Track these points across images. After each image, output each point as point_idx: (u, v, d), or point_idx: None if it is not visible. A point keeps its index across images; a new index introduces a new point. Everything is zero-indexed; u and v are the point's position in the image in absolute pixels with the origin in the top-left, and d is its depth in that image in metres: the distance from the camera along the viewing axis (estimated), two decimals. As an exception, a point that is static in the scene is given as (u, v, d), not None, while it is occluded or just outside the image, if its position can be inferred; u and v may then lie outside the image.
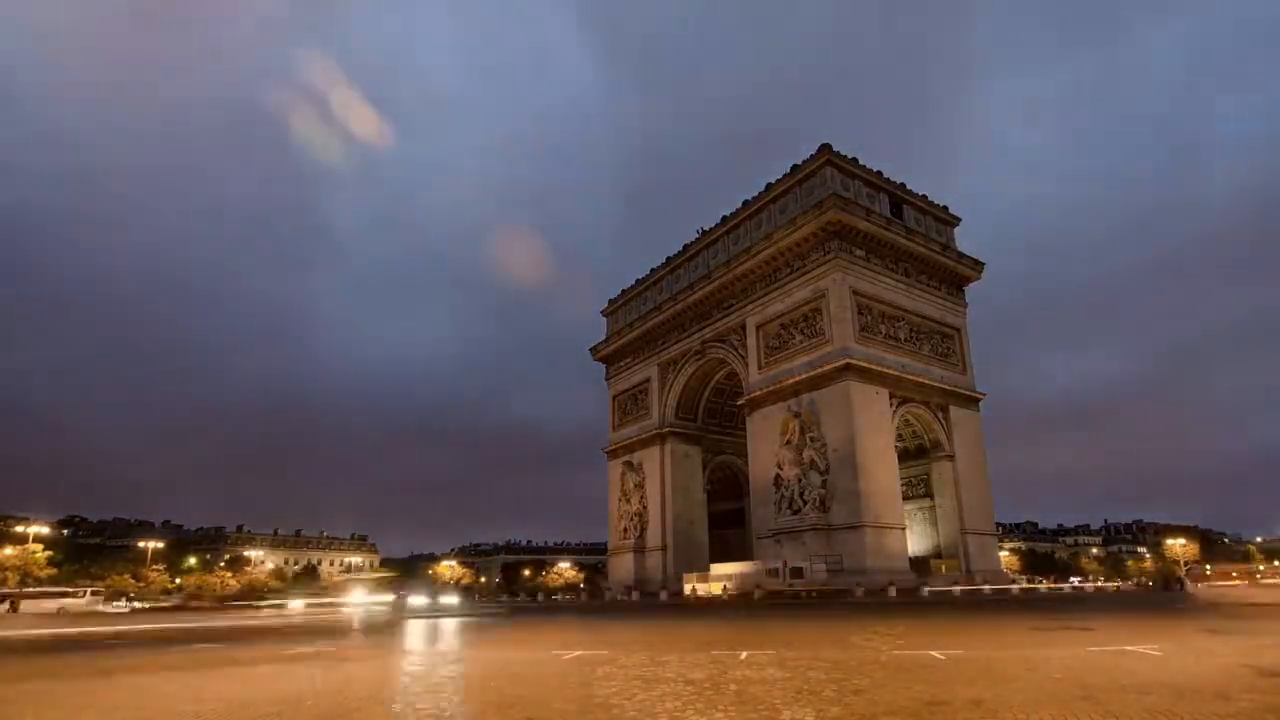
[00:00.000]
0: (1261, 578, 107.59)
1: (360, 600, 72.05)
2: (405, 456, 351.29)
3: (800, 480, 59.04)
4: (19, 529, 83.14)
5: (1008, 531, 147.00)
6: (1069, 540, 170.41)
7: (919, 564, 59.29)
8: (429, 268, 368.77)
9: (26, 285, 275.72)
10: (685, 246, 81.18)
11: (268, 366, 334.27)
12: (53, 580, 78.58)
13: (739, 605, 44.62)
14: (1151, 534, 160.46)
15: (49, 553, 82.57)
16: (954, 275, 69.47)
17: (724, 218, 74.96)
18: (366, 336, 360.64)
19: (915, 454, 64.54)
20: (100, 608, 57.07)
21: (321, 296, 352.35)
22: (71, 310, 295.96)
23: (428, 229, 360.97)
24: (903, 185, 68.28)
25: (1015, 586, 65.01)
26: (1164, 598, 47.74)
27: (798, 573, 54.85)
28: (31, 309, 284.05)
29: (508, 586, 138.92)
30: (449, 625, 29.05)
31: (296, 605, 66.72)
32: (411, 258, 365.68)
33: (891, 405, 59.85)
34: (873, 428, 57.57)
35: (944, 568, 59.47)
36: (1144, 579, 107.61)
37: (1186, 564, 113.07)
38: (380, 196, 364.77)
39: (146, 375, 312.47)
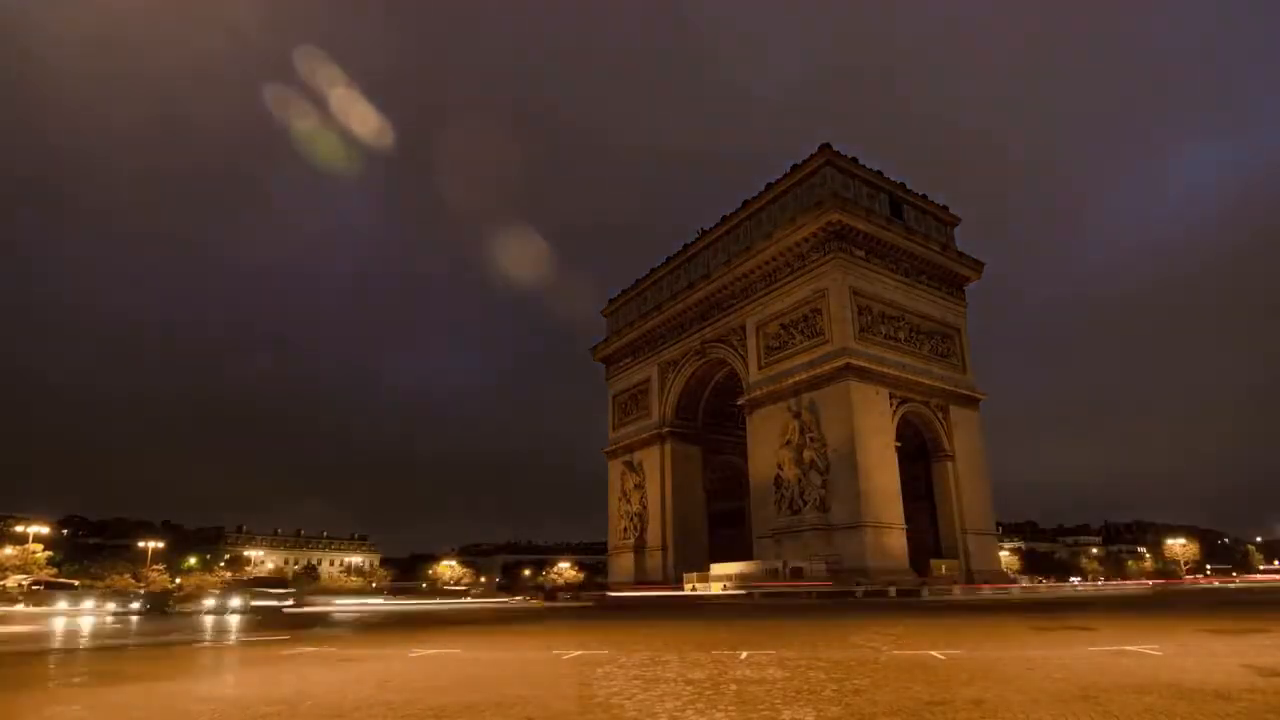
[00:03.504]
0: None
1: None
2: (404, 454, 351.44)
3: (800, 480, 59.04)
4: (19, 529, 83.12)
5: (1008, 531, 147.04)
6: (1069, 540, 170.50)
7: (919, 564, 59.26)
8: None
9: (27, 285, 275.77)
10: (685, 246, 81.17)
11: (269, 366, 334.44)
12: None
13: (739, 605, 44.56)
14: (1151, 534, 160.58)
15: (49, 553, 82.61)
16: (954, 275, 69.47)
17: (724, 217, 74.96)
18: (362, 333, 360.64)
19: (915, 454, 64.49)
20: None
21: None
22: (71, 309, 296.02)
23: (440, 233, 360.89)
24: (903, 185, 68.28)
25: (1015, 587, 65.05)
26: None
27: (798, 572, 54.82)
28: (32, 309, 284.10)
29: (508, 586, 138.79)
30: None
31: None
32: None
33: (891, 405, 59.83)
34: (873, 428, 57.55)
35: (944, 568, 59.44)
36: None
37: (1187, 564, 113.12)
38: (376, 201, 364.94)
39: (146, 373, 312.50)
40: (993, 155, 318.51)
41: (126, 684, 11.69)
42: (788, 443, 60.65)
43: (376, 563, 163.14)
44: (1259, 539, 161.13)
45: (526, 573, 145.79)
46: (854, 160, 65.09)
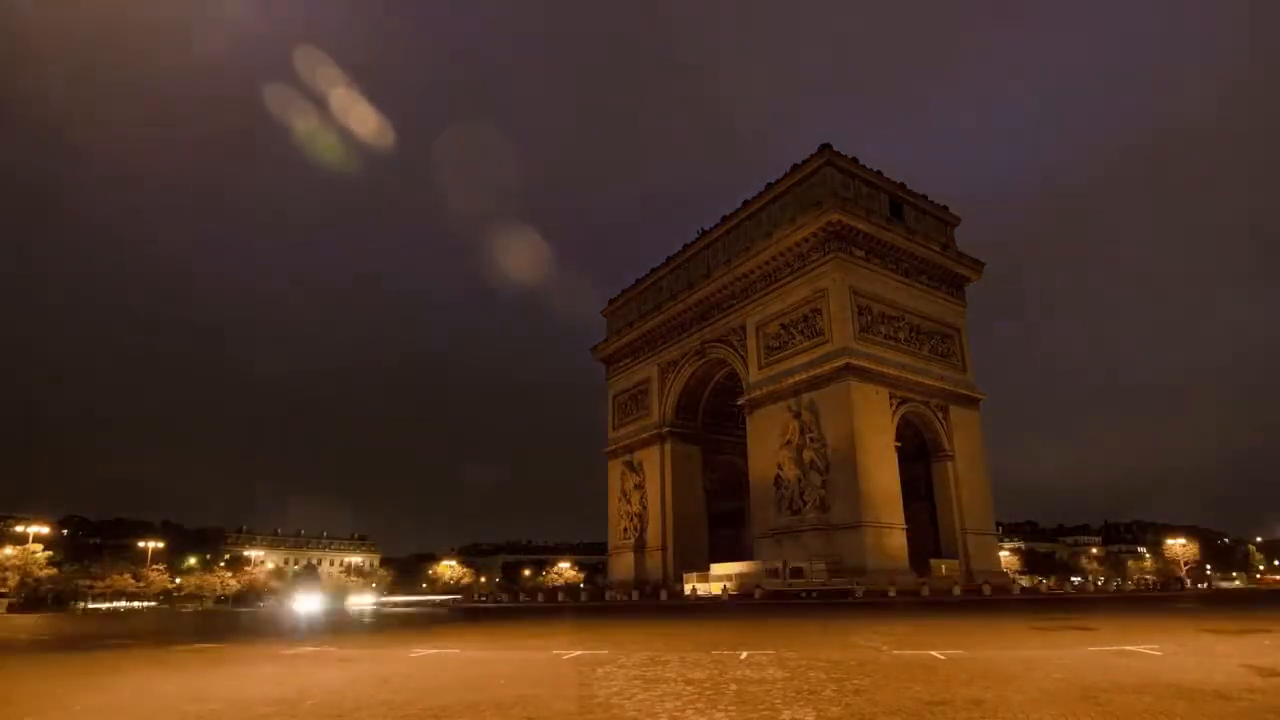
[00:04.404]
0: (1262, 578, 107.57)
1: None
2: (405, 454, 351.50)
3: (800, 480, 59.00)
4: (19, 529, 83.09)
5: (1008, 531, 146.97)
6: (1069, 540, 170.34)
7: (919, 564, 59.21)
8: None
9: (29, 286, 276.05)
10: (685, 246, 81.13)
11: (268, 365, 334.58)
12: (53, 580, 78.41)
13: (739, 605, 44.58)
14: (1151, 534, 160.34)
15: (49, 553, 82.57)
16: (954, 275, 69.44)
17: (724, 217, 74.91)
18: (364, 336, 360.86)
19: (915, 454, 64.41)
20: None
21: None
22: (72, 310, 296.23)
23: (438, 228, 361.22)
24: (903, 185, 68.25)
25: (1015, 587, 65.10)
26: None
27: (798, 573, 54.81)
28: (35, 310, 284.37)
29: (508, 586, 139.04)
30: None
31: None
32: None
33: (891, 405, 59.81)
34: (873, 428, 57.53)
35: (944, 568, 59.39)
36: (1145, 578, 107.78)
37: (1186, 564, 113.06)
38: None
39: (146, 374, 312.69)
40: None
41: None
42: (788, 443, 60.62)
43: (376, 562, 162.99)
44: (1259, 539, 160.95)
45: (526, 573, 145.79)
46: (854, 160, 65.06)
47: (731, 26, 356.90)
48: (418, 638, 21.82)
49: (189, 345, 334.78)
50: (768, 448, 62.92)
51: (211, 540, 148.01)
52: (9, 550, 77.79)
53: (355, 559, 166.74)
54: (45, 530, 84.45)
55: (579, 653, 14.37)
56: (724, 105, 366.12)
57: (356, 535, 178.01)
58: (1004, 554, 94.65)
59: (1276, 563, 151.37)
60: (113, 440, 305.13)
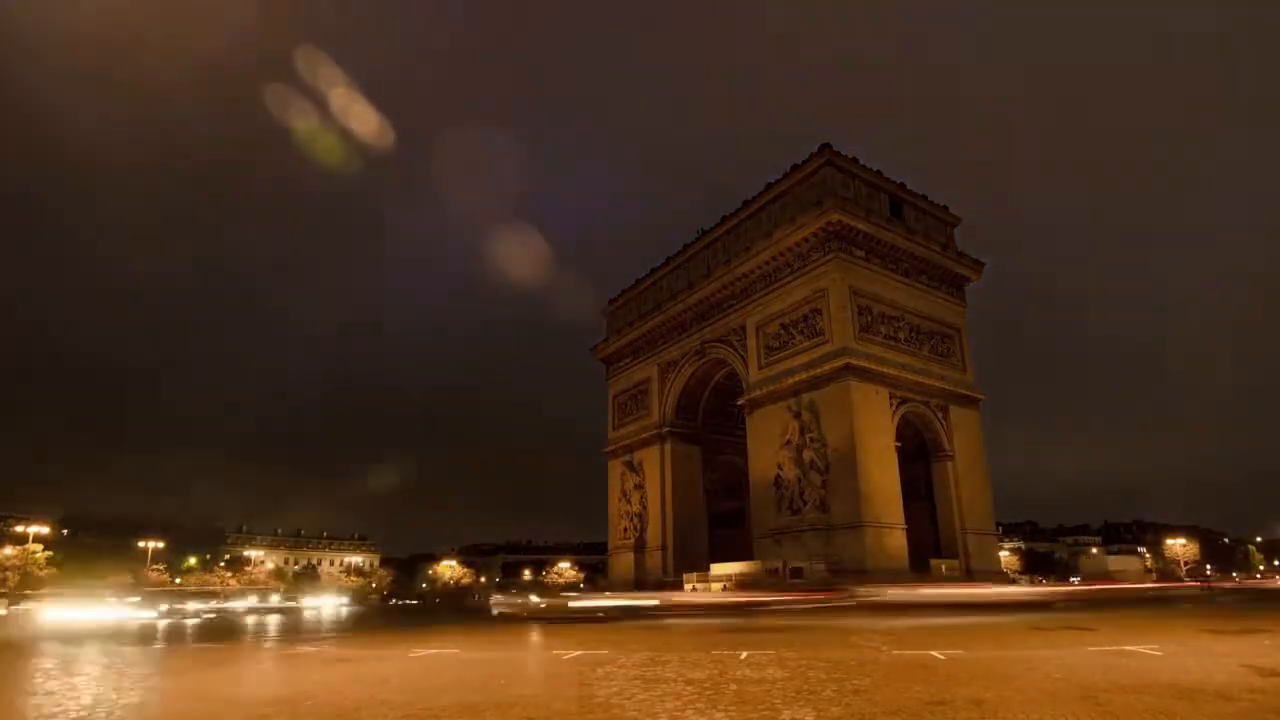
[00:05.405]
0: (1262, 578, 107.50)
1: None
2: (405, 454, 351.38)
3: (800, 480, 58.98)
4: (19, 529, 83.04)
5: (1008, 531, 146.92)
6: (1069, 540, 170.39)
7: (919, 564, 59.19)
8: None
9: (29, 285, 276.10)
10: (685, 246, 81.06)
11: (268, 367, 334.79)
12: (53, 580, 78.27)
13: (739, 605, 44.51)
14: (1151, 534, 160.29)
15: (49, 553, 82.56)
16: (954, 275, 69.42)
17: (724, 217, 74.85)
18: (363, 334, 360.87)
19: (915, 454, 64.34)
20: None
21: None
22: (72, 311, 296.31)
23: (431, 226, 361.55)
24: (903, 184, 68.19)
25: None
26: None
27: (798, 573, 54.73)
28: (35, 310, 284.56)
29: (507, 585, 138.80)
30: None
31: None
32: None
33: (891, 405, 59.78)
34: (873, 428, 57.51)
35: (944, 568, 59.34)
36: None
37: (1187, 564, 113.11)
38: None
39: (148, 377, 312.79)
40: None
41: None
42: (788, 443, 60.58)
43: (376, 563, 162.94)
44: (1259, 539, 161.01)
45: (526, 573, 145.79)
46: (854, 160, 65.01)
47: (734, 24, 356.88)
48: (418, 638, 21.83)
49: (189, 346, 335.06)
50: (768, 448, 62.88)
51: (211, 540, 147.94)
52: (9, 550, 77.85)
53: (355, 559, 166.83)
54: (45, 530, 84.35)
55: (579, 653, 14.38)
56: (725, 104, 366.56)
57: (356, 535, 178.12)
58: (1004, 554, 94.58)
59: (1276, 562, 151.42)
60: (113, 440, 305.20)
